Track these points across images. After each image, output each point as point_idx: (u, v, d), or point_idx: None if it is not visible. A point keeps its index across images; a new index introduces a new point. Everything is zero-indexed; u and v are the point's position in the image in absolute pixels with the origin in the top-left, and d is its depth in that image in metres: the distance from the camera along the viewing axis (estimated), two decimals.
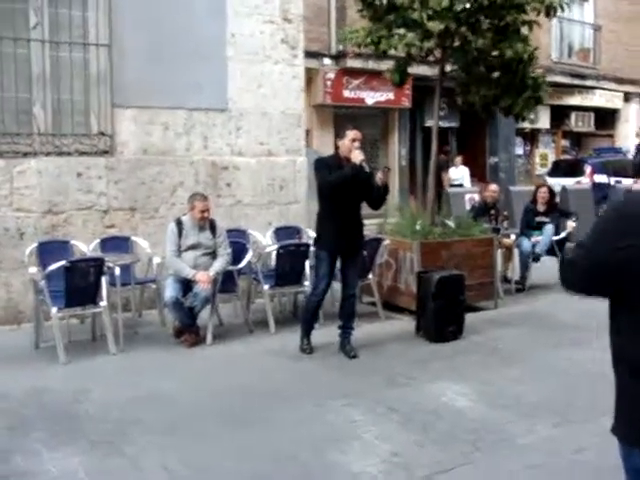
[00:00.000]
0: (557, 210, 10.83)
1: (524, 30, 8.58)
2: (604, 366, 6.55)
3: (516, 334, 7.87)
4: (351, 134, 6.73)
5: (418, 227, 8.82)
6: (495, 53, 8.68)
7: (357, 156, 6.58)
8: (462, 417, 5.39)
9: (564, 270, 2.52)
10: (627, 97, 25.53)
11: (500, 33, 8.37)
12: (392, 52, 8.91)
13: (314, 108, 18.26)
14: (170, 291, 7.17)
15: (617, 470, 4.42)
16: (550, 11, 8.45)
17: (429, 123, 19.73)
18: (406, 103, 19.47)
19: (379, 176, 6.68)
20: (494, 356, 7.01)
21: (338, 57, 18.11)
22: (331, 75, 18.19)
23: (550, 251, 10.40)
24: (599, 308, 8.20)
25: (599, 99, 24.39)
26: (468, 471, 4.48)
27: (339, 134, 6.97)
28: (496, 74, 8.93)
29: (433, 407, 5.57)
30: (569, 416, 5.40)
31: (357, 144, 6.69)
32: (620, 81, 24.80)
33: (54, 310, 6.70)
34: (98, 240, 8.21)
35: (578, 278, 2.44)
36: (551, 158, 24.04)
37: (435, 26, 7.84)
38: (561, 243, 10.49)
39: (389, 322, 8.34)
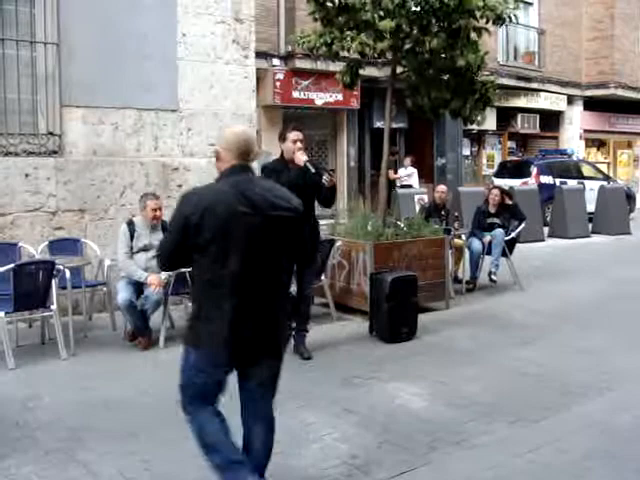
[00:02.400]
0: (508, 211, 10.92)
1: (474, 36, 8.66)
2: (554, 365, 6.69)
3: (468, 334, 7.94)
4: (292, 136, 6.71)
5: (370, 228, 8.85)
6: (445, 55, 8.76)
7: (300, 158, 6.57)
8: (418, 418, 5.41)
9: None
10: (570, 100, 25.98)
11: (451, 37, 8.44)
12: (344, 54, 8.94)
13: (263, 109, 18.19)
14: (123, 294, 7.06)
15: (574, 468, 4.51)
16: (499, 21, 8.56)
17: (378, 124, 19.83)
18: (355, 104, 19.52)
19: (325, 179, 6.63)
20: (448, 356, 7.06)
21: (287, 58, 18.08)
22: (280, 76, 18.14)
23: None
24: (545, 308, 8.38)
25: (544, 101, 24.78)
26: (426, 472, 4.50)
27: (280, 137, 6.91)
28: (446, 77, 9.00)
29: (390, 408, 5.59)
30: (524, 415, 5.46)
31: (299, 145, 6.66)
32: (564, 84, 25.26)
33: (1, 314, 6.54)
34: (47, 242, 8.06)
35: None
36: (498, 159, 24.35)
37: (386, 25, 7.87)
38: (511, 243, 10.64)
39: (342, 323, 8.35)
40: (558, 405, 5.69)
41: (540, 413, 5.50)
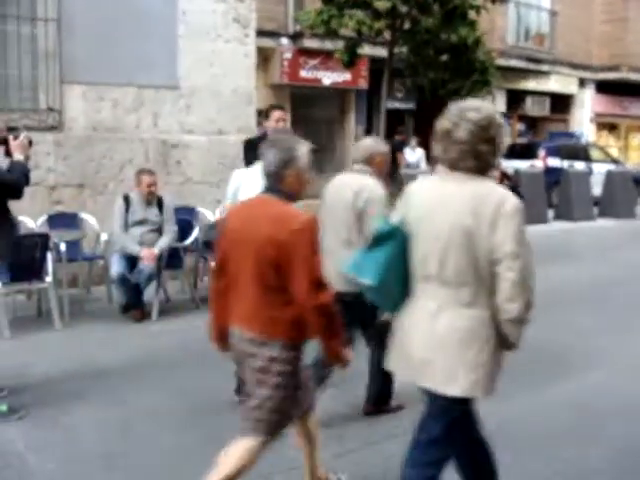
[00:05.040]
0: None
1: (472, 14, 8.68)
2: (543, 344, 6.76)
3: None
4: (276, 115, 6.75)
5: None
6: (445, 36, 8.80)
7: None
8: (396, 390, 5.51)
9: None
10: (582, 82, 25.85)
11: (448, 16, 8.47)
12: (345, 33, 9.00)
13: (271, 88, 18.25)
14: (116, 267, 7.22)
15: (542, 440, 4.60)
16: None
17: (387, 105, 19.83)
18: (363, 84, 19.51)
19: None
20: None
21: (295, 37, 18.07)
22: (288, 55, 18.16)
23: None
24: (542, 289, 8.30)
25: (554, 84, 24.68)
26: (400, 442, 4.59)
27: (264, 114, 6.99)
28: (445, 57, 9.05)
29: (364, 382, 5.69)
30: (499, 391, 5.52)
31: (282, 124, 6.73)
32: (575, 66, 25.12)
33: None
34: (45, 216, 8.20)
35: None
36: (507, 141, 24.30)
37: (383, 4, 7.94)
38: None
39: None
40: (537, 383, 5.78)
41: (517, 389, 5.58)
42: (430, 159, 19.55)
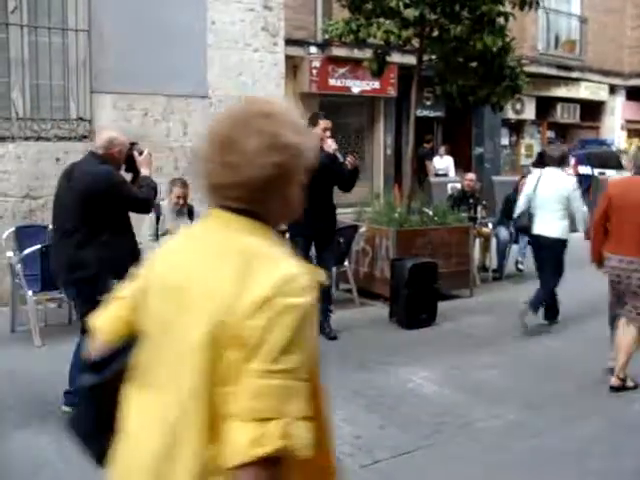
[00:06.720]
0: None
1: (500, 21, 8.62)
2: (572, 355, 6.67)
3: (489, 322, 7.95)
4: (323, 123, 6.91)
5: (397, 215, 8.91)
6: (472, 43, 8.75)
7: (330, 145, 6.79)
8: (427, 401, 5.49)
9: None
10: (613, 89, 25.57)
11: (477, 23, 8.42)
12: (373, 41, 8.98)
13: (300, 96, 18.25)
14: None
15: (575, 454, 4.54)
16: (525, 5, 8.51)
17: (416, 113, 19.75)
18: (392, 92, 19.44)
19: (349, 160, 6.83)
20: (465, 343, 7.10)
21: (324, 45, 18.05)
22: (317, 63, 18.15)
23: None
24: (571, 298, 8.18)
25: (585, 91, 24.44)
26: (427, 453, 4.58)
27: (311, 122, 7.04)
28: (474, 64, 8.98)
29: (399, 391, 5.68)
30: (533, 401, 5.50)
31: (329, 133, 6.85)
32: (606, 73, 24.85)
33: (29, 294, 6.76)
34: None
35: None
36: (536, 149, 24.11)
37: (411, 13, 7.92)
38: None
39: (364, 308, 8.44)
40: (568, 394, 5.71)
41: (549, 401, 5.54)
42: (459, 167, 19.49)
